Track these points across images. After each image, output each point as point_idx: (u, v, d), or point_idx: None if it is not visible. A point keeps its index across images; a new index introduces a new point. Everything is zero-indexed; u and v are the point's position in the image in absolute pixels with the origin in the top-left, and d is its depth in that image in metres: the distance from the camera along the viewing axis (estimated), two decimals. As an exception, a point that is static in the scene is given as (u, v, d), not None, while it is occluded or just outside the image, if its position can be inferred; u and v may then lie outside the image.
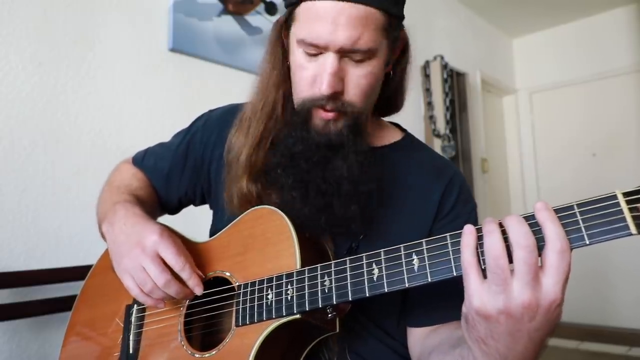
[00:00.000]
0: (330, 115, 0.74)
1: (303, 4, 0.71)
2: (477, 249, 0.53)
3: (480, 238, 0.53)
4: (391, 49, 0.78)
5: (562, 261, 0.48)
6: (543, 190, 4.48)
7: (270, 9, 2.25)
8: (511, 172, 4.70)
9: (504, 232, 0.51)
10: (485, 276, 0.52)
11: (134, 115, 1.76)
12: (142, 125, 1.78)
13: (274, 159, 0.79)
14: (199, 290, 0.74)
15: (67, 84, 1.59)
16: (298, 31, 0.73)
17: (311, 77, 0.73)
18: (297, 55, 0.74)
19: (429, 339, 0.77)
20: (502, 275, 0.49)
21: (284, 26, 0.79)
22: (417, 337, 0.81)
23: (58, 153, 1.55)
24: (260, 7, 2.22)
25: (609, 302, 3.98)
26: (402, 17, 0.76)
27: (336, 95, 0.72)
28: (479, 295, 0.51)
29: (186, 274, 0.72)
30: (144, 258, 0.72)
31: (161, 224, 0.93)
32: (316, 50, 0.71)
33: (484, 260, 0.52)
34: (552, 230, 0.49)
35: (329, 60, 0.70)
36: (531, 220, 0.51)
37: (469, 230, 0.54)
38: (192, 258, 0.82)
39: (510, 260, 0.50)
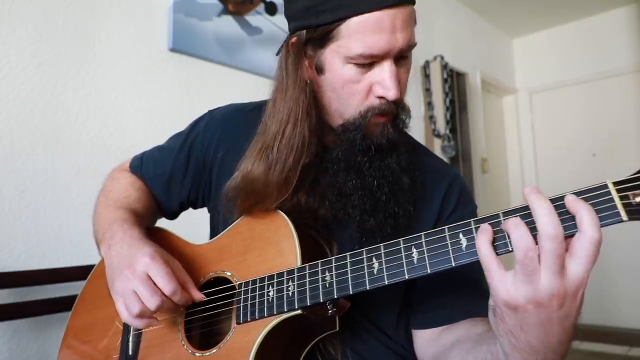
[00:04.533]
0: (385, 118, 0.75)
1: (352, 20, 0.69)
2: (493, 242, 0.53)
3: (496, 232, 0.54)
4: None
5: (595, 251, 0.48)
6: (543, 190, 4.47)
7: (270, 9, 2.25)
8: (511, 172, 4.70)
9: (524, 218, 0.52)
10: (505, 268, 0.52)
11: (134, 115, 1.76)
12: (142, 125, 1.78)
13: (338, 177, 0.77)
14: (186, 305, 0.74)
15: (67, 84, 1.59)
16: (349, 47, 0.70)
17: (367, 88, 0.73)
18: (344, 71, 0.72)
19: (444, 337, 0.76)
20: (531, 267, 0.49)
21: (306, 47, 0.76)
22: (427, 339, 0.80)
23: (58, 153, 1.55)
24: (260, 7, 2.22)
25: (609, 302, 3.98)
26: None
27: (399, 98, 0.73)
28: (504, 287, 0.51)
29: (177, 297, 0.70)
30: (134, 281, 0.70)
31: (161, 229, 0.93)
32: (372, 60, 0.71)
33: (497, 253, 0.53)
34: (592, 220, 0.48)
35: (389, 67, 0.71)
36: (557, 205, 0.51)
37: (484, 228, 0.54)
38: (193, 260, 0.82)
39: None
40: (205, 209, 1.00)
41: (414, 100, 3.32)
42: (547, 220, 0.49)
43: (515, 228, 0.51)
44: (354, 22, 0.69)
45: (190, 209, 1.02)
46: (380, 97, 0.72)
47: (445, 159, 3.26)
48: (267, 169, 0.76)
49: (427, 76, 3.36)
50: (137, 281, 0.70)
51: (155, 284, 0.70)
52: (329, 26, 0.70)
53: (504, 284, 0.51)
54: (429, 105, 3.34)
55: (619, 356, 3.32)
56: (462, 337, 0.73)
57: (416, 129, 3.25)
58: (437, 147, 3.30)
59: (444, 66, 3.37)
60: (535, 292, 0.49)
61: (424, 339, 0.81)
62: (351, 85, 0.73)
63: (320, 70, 0.76)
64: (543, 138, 4.55)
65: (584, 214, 0.49)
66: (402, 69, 0.75)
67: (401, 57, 0.73)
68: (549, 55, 4.56)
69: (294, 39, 0.76)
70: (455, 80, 3.54)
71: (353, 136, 0.75)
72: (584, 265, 0.49)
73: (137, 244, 0.76)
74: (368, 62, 0.71)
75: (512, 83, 4.73)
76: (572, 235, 0.50)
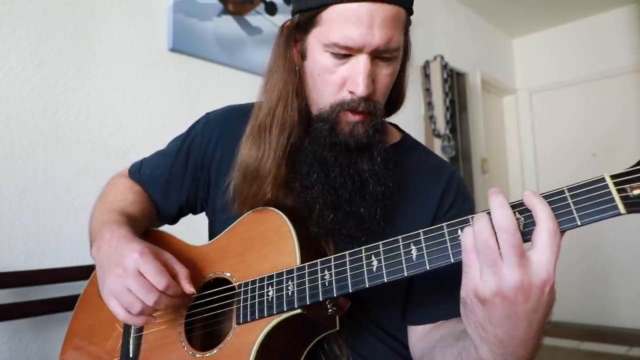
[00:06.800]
0: (358, 117, 0.74)
1: (332, 8, 0.70)
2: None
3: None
4: (405, 47, 0.80)
5: (553, 241, 0.50)
6: (543, 190, 4.41)
7: (270, 9, 2.25)
8: (511, 172, 4.70)
9: None
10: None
11: (134, 115, 1.76)
12: (142, 125, 1.78)
13: (302, 168, 0.77)
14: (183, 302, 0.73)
15: (67, 84, 1.59)
16: (327, 34, 0.71)
17: (340, 80, 0.73)
18: (321, 59, 0.74)
19: (431, 335, 0.78)
20: (491, 256, 0.50)
21: (296, 31, 0.78)
22: (419, 335, 0.81)
23: (58, 153, 1.55)
24: (260, 7, 2.22)
25: (609, 302, 3.97)
26: (412, 13, 0.78)
27: (369, 97, 0.73)
28: (475, 279, 0.52)
29: (171, 292, 0.70)
30: (126, 278, 0.69)
31: (159, 231, 0.93)
32: (348, 52, 0.71)
33: None
34: (544, 212, 0.50)
35: (363, 62, 0.71)
36: (520, 207, 0.54)
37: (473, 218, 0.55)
38: (192, 261, 0.82)
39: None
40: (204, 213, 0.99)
41: (414, 100, 3.32)
42: (499, 213, 0.51)
43: (478, 219, 0.52)
44: (335, 10, 0.70)
45: (191, 215, 1.01)
46: (352, 92, 0.73)
47: (445, 159, 3.25)
48: (260, 150, 0.78)
49: (427, 76, 3.36)
50: (130, 279, 0.69)
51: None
52: (314, 11, 0.73)
53: (475, 276, 0.52)
54: (429, 105, 3.35)
55: (619, 356, 3.32)
56: (445, 334, 0.74)
57: (416, 129, 3.25)
58: (437, 147, 3.31)
59: (444, 66, 3.37)
60: (499, 284, 0.50)
61: (416, 336, 0.82)
62: (326, 75, 0.74)
63: (304, 56, 0.78)
64: (543, 138, 4.55)
65: (538, 208, 0.51)
66: (384, 71, 0.74)
67: (383, 58, 0.73)
68: (548, 55, 4.56)
69: (288, 22, 0.80)
70: (455, 80, 3.54)
71: (321, 127, 0.76)
72: (545, 255, 0.49)
73: (124, 243, 0.74)
74: (343, 54, 0.72)
75: (512, 83, 4.73)
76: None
